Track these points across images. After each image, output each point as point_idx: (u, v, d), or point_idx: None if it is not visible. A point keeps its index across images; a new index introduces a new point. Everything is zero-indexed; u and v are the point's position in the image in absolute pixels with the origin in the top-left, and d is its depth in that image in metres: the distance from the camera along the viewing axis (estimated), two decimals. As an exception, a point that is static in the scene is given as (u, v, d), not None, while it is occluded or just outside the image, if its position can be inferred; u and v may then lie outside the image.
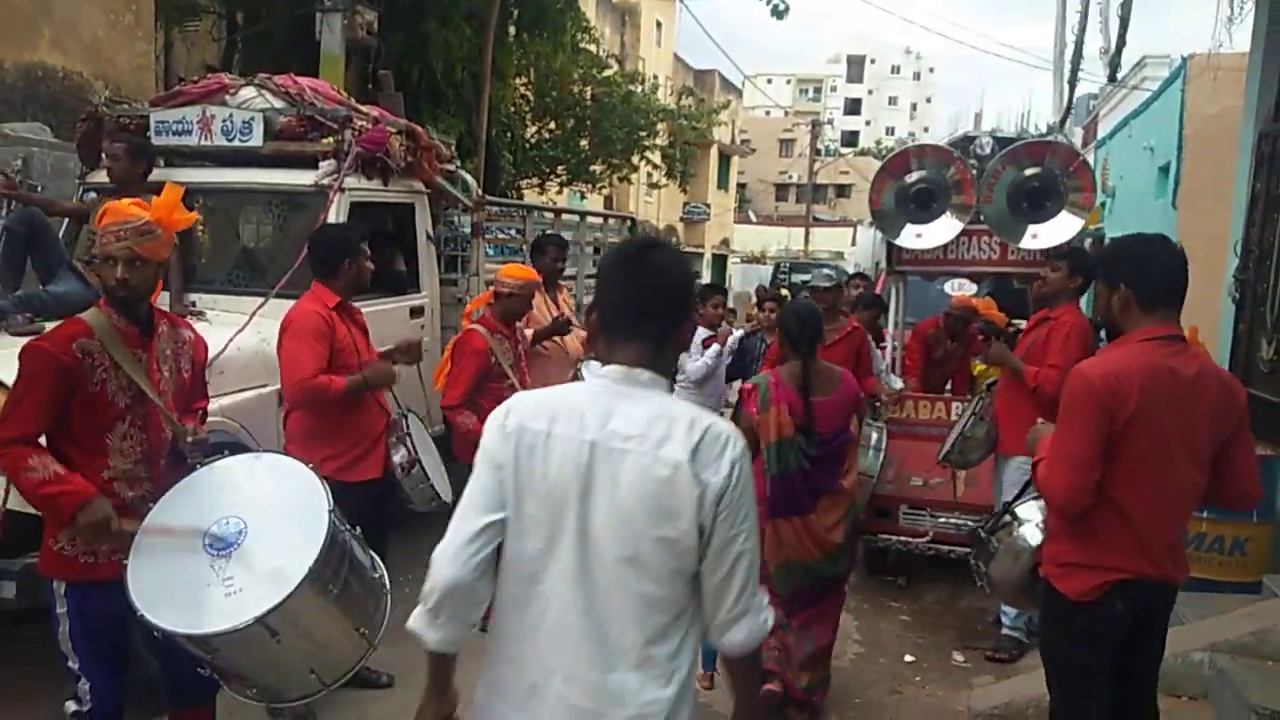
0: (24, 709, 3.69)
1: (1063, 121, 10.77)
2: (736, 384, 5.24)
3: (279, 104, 4.95)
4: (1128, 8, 6.89)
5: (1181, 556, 2.72)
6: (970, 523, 5.43)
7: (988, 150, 5.90)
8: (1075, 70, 8.90)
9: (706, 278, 28.55)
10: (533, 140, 15.43)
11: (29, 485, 2.59)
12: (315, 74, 7.88)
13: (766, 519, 3.71)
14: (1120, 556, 2.60)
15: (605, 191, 20.22)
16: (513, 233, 7.21)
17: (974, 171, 5.71)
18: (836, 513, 3.89)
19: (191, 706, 2.98)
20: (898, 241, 5.84)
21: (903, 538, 5.50)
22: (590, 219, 8.56)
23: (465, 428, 4.50)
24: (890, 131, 76.84)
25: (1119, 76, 9.06)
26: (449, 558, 1.80)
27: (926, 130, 77.66)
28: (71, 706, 2.80)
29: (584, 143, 16.38)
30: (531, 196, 15.80)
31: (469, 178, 5.97)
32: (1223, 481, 2.64)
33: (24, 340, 3.89)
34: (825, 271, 5.91)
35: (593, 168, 16.74)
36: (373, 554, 2.87)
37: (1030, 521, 3.24)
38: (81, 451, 2.69)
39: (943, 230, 5.72)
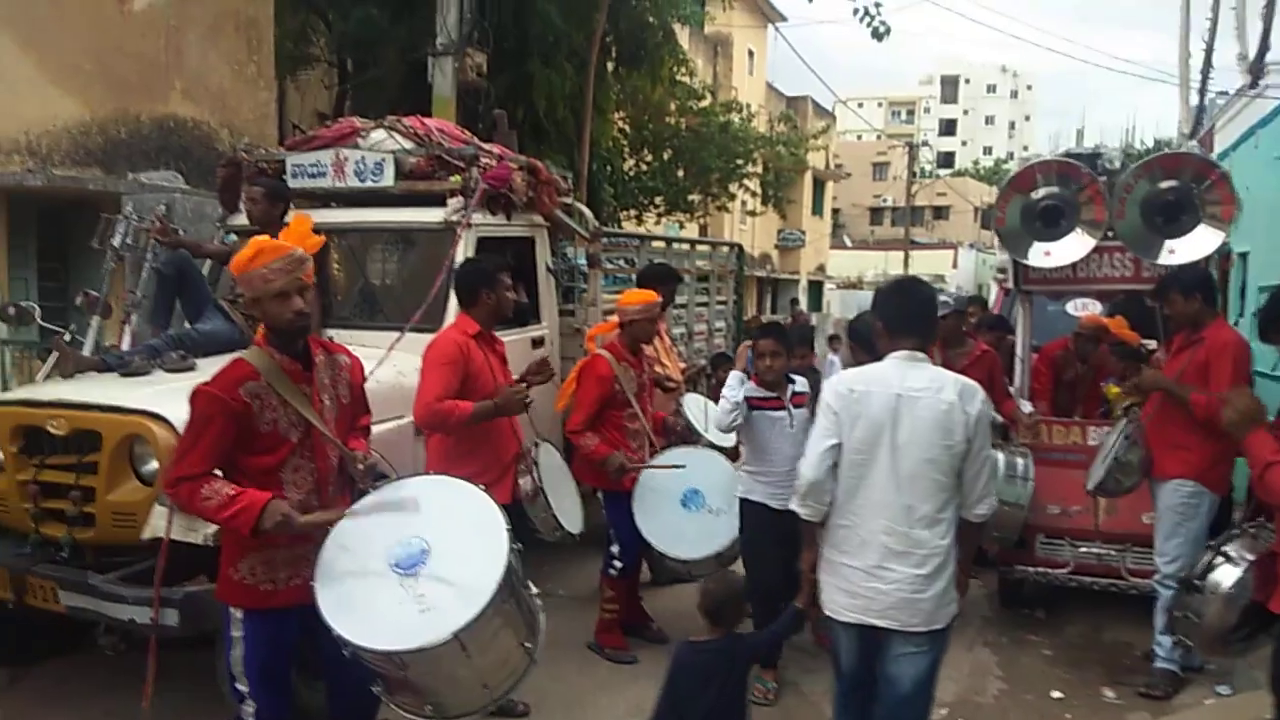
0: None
1: (1193, 133, 10.33)
2: None
3: (408, 145, 5.13)
4: (1271, 8, 6.55)
5: None
6: (1114, 551, 5.23)
7: (1117, 164, 5.68)
8: (1205, 79, 8.54)
9: (804, 304, 28.28)
10: (631, 172, 15.61)
11: (209, 513, 2.70)
12: (428, 115, 8.14)
13: None
14: None
15: (702, 220, 20.29)
16: (621, 263, 7.27)
17: (1103, 186, 5.50)
18: None
19: (352, 728, 3.05)
20: (1026, 261, 5.65)
21: (1040, 568, 5.28)
22: (699, 247, 8.56)
23: (587, 449, 4.58)
24: (988, 151, 75.25)
25: (1245, 84, 8.65)
26: (810, 465, 3.00)
27: (1026, 149, 75.70)
28: (235, 729, 2.89)
29: (680, 173, 16.50)
30: (630, 227, 15.96)
31: (585, 210, 6.07)
32: None
33: (178, 375, 4.13)
34: (941, 298, 5.77)
35: (690, 197, 16.83)
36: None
37: (1241, 563, 3.03)
38: (257, 486, 2.77)
39: (1073, 247, 5.50)
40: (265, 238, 2.88)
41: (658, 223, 18.03)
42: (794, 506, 3.05)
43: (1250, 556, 2.92)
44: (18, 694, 4.24)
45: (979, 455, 2.92)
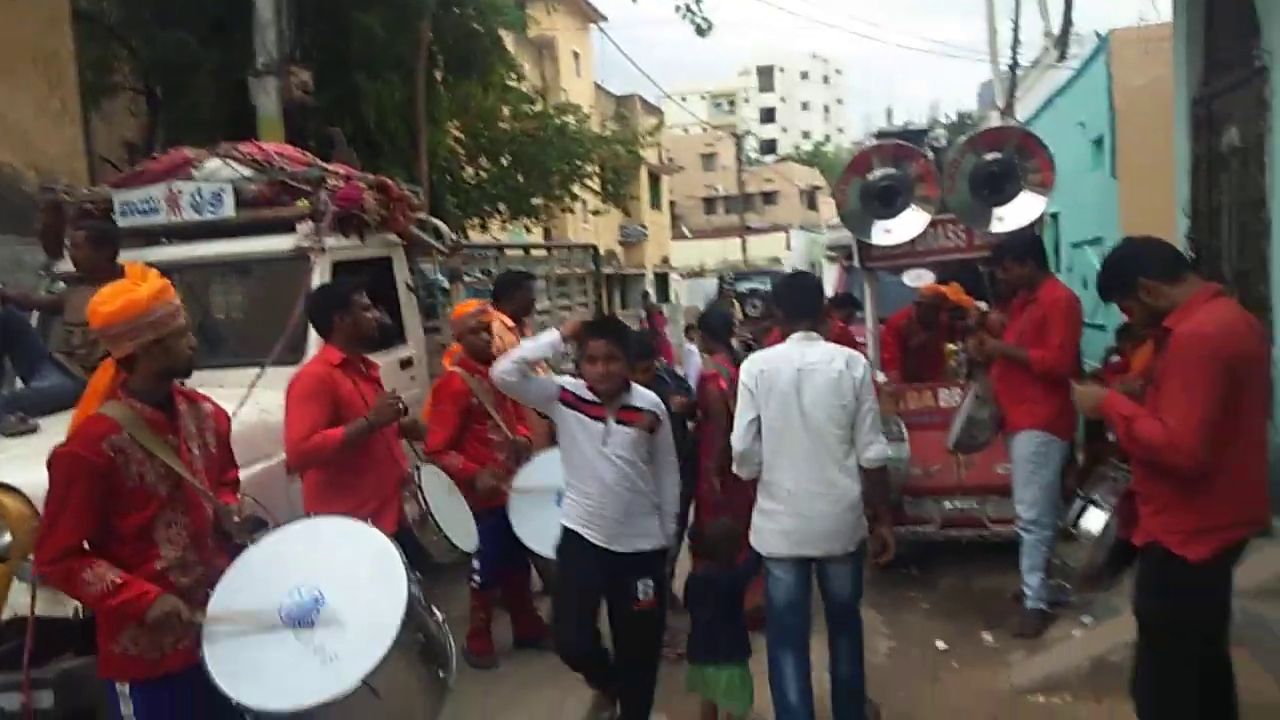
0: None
1: (1008, 106, 11.08)
2: None
3: (246, 171, 4.90)
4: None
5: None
6: (976, 504, 5.59)
7: (944, 142, 6.05)
8: (1015, 53, 9.19)
9: (653, 296, 28.68)
10: (472, 181, 15.43)
11: (91, 599, 2.54)
12: (248, 139, 7.81)
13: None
14: (1237, 516, 2.69)
15: (545, 224, 20.26)
16: (479, 274, 7.20)
17: (933, 163, 5.85)
18: None
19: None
20: (869, 240, 5.94)
21: (911, 526, 5.58)
22: (555, 252, 8.57)
23: (454, 469, 4.46)
24: (806, 135, 78.19)
25: (1054, 56, 9.37)
26: (739, 438, 3.65)
27: (841, 131, 79.27)
28: (143, 808, 2.70)
29: (521, 178, 16.42)
30: (475, 236, 15.76)
31: (441, 224, 5.98)
32: None
33: (20, 440, 3.83)
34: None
35: (533, 201, 16.77)
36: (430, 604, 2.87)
37: (1106, 507, 3.30)
38: (129, 549, 2.62)
39: (911, 224, 5.82)
40: (148, 273, 2.70)
41: (503, 229, 17.88)
42: (735, 470, 3.77)
43: (1113, 499, 3.19)
44: None
45: (865, 410, 3.60)
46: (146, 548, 2.63)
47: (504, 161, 15.87)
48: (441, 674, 2.76)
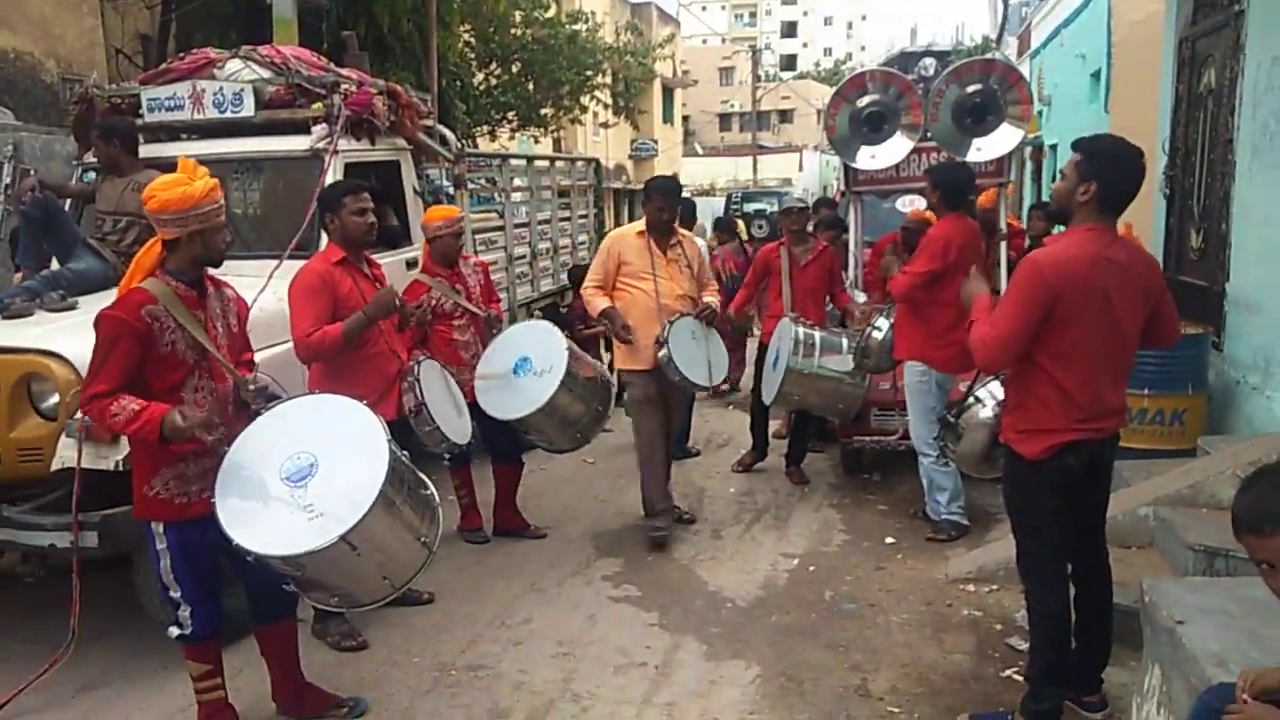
0: (114, 643, 4.08)
1: (999, 37, 11.13)
2: None
3: (266, 74, 5.19)
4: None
5: (1122, 409, 3.22)
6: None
7: (931, 71, 6.30)
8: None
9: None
10: (481, 88, 15.49)
11: (119, 427, 2.91)
12: (263, 38, 8.00)
13: None
14: (1066, 422, 3.08)
15: (555, 134, 20.31)
16: (484, 182, 7.49)
17: (920, 92, 6.10)
18: None
19: (277, 620, 3.39)
20: (854, 164, 6.23)
21: (875, 438, 6.00)
22: (557, 164, 8.83)
23: None
24: (828, 52, 76.70)
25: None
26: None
27: (864, 49, 77.53)
28: (175, 631, 3.17)
29: (531, 86, 16.45)
30: (484, 145, 15.89)
31: (447, 132, 6.25)
32: (1154, 330, 3.17)
33: (62, 314, 4.24)
34: (795, 195, 6.35)
35: (543, 111, 16.84)
36: (422, 475, 3.27)
37: (987, 403, 3.75)
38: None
39: (894, 150, 6.12)
40: (199, 170, 3.03)
41: (511, 138, 17.97)
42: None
43: (995, 395, 3.68)
44: (-73, 634, 4.35)
45: None
46: (176, 406, 3.02)
47: (514, 69, 15.89)
48: (424, 538, 3.11)
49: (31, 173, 5.12)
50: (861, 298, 6.56)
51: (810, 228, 6.65)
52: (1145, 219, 6.34)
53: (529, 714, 3.54)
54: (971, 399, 3.82)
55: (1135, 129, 7.84)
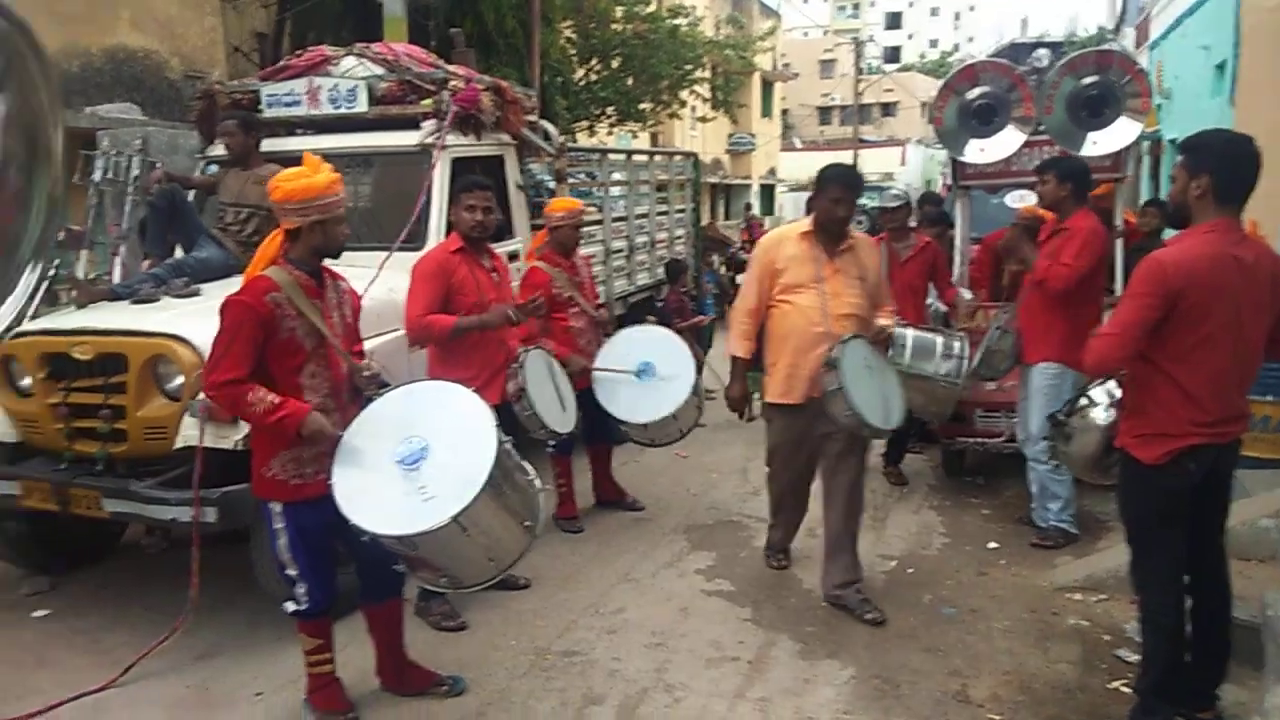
0: (230, 614, 4.29)
1: (1117, 27, 10.68)
2: None
3: (378, 70, 5.35)
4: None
5: (1245, 414, 3.08)
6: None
7: (1045, 62, 6.07)
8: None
9: (757, 208, 28.57)
10: (581, 83, 15.63)
11: (255, 417, 3.05)
12: (373, 35, 8.25)
13: None
14: (1187, 426, 2.95)
15: (652, 129, 20.34)
16: (582, 176, 7.57)
17: (1033, 84, 5.90)
18: None
19: (385, 600, 3.50)
20: (963, 157, 6.07)
21: (979, 439, 5.85)
22: (656, 158, 8.86)
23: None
24: (934, 44, 74.80)
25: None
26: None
27: (971, 40, 75.38)
28: (290, 606, 3.31)
29: (630, 81, 16.52)
30: (581, 140, 16.03)
31: (550, 127, 6.34)
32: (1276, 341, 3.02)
33: (186, 300, 4.45)
34: (893, 191, 6.23)
35: (641, 106, 16.89)
36: (523, 462, 3.33)
37: (1101, 404, 3.61)
38: (280, 390, 3.12)
39: (1005, 143, 5.93)
40: (322, 165, 3.17)
41: (610, 134, 18.08)
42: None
43: (1109, 397, 3.52)
44: (60, 597, 4.64)
45: None
46: (294, 393, 3.15)
47: (614, 64, 15.98)
48: (527, 523, 3.19)
49: (158, 165, 5.41)
50: (968, 295, 6.39)
51: (913, 223, 6.52)
52: (1275, 215, 6.01)
53: (622, 702, 3.58)
54: (1084, 399, 3.68)
55: (1264, 121, 7.45)
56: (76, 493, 4.02)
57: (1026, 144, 5.99)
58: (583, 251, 5.50)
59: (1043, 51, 6.17)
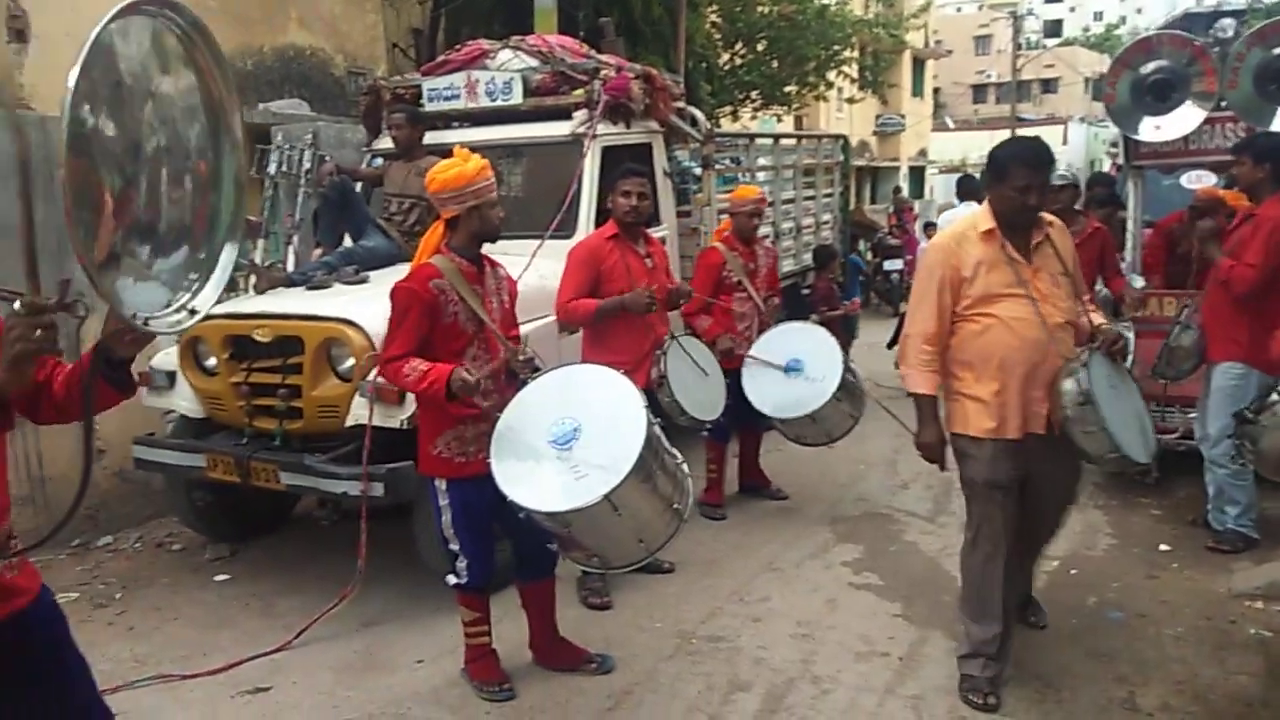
0: (393, 585, 4.51)
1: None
2: None
3: (533, 62, 5.48)
4: None
5: None
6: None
7: (1230, 33, 5.64)
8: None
9: (906, 191, 27.75)
10: (726, 68, 15.51)
11: (411, 386, 3.22)
12: (524, 27, 8.42)
13: None
14: None
15: (797, 112, 20.01)
16: (728, 162, 7.52)
17: (1216, 56, 5.50)
18: None
19: (539, 578, 3.62)
20: (1136, 136, 5.72)
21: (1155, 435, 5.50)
22: (804, 142, 8.73)
23: (701, 329, 5.08)
24: (1098, 17, 70.46)
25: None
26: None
27: (1140, 12, 70.64)
28: (452, 579, 3.48)
29: (775, 65, 16.28)
30: (725, 124, 15.93)
31: (697, 113, 6.34)
32: None
33: (356, 287, 4.68)
34: (1059, 171, 5.92)
35: (786, 89, 16.62)
36: (671, 446, 3.35)
37: None
38: None
39: (1184, 120, 5.54)
40: (471, 155, 3.30)
41: (753, 118, 17.89)
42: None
43: None
44: (239, 564, 5.01)
45: None
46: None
47: (759, 47, 15.78)
48: (676, 505, 3.21)
49: (328, 159, 5.71)
50: (1139, 282, 6.03)
51: (1080, 205, 6.18)
52: None
53: (769, 690, 3.57)
54: (1276, 395, 3.42)
55: None
56: (256, 466, 4.31)
57: (1207, 120, 5.59)
58: (767, 242, 5.55)
59: (1228, 21, 5.72)
